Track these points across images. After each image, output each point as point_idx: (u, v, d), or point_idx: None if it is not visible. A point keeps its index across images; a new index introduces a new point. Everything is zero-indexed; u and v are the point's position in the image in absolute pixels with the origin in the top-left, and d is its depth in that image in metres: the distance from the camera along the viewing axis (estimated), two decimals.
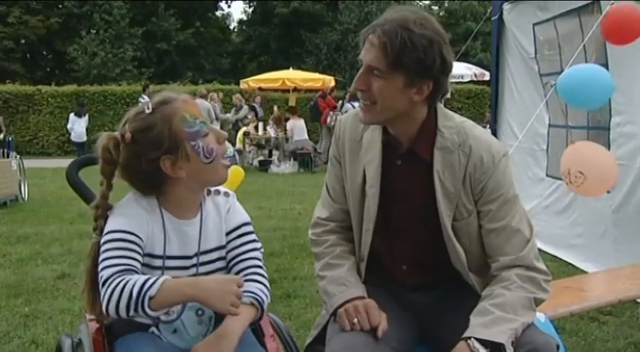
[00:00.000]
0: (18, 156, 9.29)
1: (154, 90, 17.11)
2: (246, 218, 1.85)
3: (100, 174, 1.71)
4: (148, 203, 1.70)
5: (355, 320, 1.70)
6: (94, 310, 1.75)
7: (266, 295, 1.77)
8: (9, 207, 8.48)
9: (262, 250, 1.88)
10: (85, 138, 15.53)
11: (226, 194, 1.84)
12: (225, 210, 1.80)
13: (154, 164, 1.63)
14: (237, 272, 1.79)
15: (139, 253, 1.63)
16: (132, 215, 1.66)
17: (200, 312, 1.75)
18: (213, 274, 1.75)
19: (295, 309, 4.00)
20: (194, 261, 1.74)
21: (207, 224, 1.76)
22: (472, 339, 1.58)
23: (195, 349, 1.60)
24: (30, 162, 11.43)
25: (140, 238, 1.64)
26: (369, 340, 1.68)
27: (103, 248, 1.62)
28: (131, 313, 1.53)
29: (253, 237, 1.84)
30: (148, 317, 1.58)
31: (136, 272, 1.60)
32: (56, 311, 3.99)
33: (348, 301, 1.75)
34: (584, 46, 4.36)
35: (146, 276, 1.56)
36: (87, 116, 16.23)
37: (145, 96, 16.20)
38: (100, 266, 1.60)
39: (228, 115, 15.65)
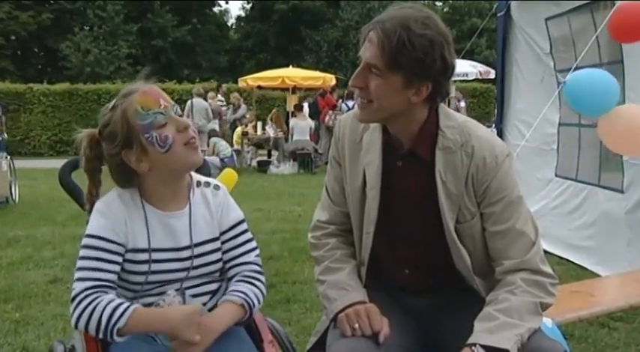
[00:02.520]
0: (8, 157, 9.28)
1: (229, 89, 17.25)
2: (240, 215, 1.90)
3: (84, 171, 1.79)
4: (130, 196, 1.77)
5: (356, 325, 1.70)
6: None
7: (258, 299, 1.84)
8: None
9: (258, 249, 1.92)
10: None
11: (216, 187, 1.89)
12: (215, 203, 1.85)
13: (117, 159, 1.72)
14: (234, 275, 1.86)
15: (115, 262, 1.71)
16: (110, 213, 1.73)
17: None
18: (207, 267, 1.82)
19: (295, 314, 4.01)
20: (188, 252, 1.79)
21: (197, 216, 1.82)
22: (477, 345, 1.58)
23: (172, 345, 1.68)
24: (21, 163, 11.43)
25: (117, 243, 1.71)
26: (371, 345, 1.68)
27: (80, 252, 1.70)
28: (100, 336, 1.64)
29: (248, 235, 1.90)
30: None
31: (108, 286, 1.68)
32: (48, 316, 3.99)
33: (348, 306, 1.75)
34: (597, 42, 4.36)
35: (115, 302, 1.63)
36: None
37: (220, 96, 16.35)
38: (75, 275, 1.68)
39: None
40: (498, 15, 6.44)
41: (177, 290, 1.77)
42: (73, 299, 1.66)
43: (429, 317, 1.88)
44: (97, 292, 1.66)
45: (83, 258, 1.70)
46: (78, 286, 1.67)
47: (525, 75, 6.12)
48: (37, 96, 19.93)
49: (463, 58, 13.49)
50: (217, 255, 1.84)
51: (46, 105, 19.93)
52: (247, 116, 15.73)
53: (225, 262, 1.87)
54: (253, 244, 1.91)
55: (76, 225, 6.64)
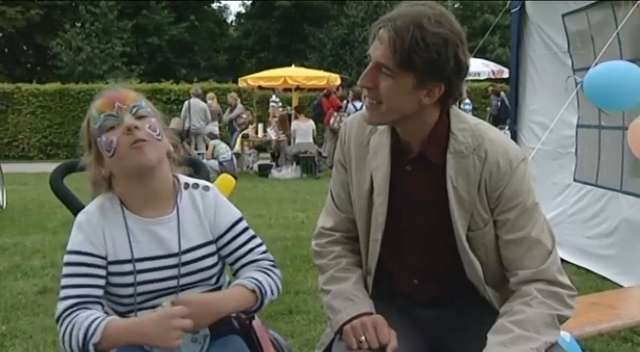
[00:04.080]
0: None
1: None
2: (236, 214, 1.92)
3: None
4: (111, 205, 1.81)
5: (362, 337, 1.70)
6: None
7: (272, 290, 1.84)
8: None
9: (264, 244, 1.94)
10: None
11: (205, 188, 1.91)
12: (204, 205, 1.87)
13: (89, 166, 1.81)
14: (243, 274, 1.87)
15: (96, 275, 1.74)
16: (86, 226, 1.77)
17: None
18: (200, 273, 1.83)
19: (298, 326, 4.01)
20: (175, 260, 1.80)
21: (185, 221, 1.83)
22: None
23: (181, 300, 1.70)
24: (9, 167, 11.44)
25: (96, 255, 1.75)
26: None
27: (62, 270, 1.75)
28: None
29: (250, 232, 1.92)
30: None
31: (91, 302, 1.71)
32: (37, 329, 3.99)
33: (354, 317, 1.75)
34: (618, 39, 4.34)
35: (92, 317, 1.66)
36: None
37: (275, 97, 16.50)
38: (59, 295, 1.73)
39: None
40: (512, 11, 6.43)
41: (172, 302, 1.77)
42: (57, 319, 1.70)
43: (439, 330, 1.88)
44: (78, 309, 1.69)
45: (65, 275, 1.75)
46: (60, 306, 1.71)
47: (541, 74, 6.11)
48: (25, 97, 19.99)
49: (475, 56, 13.45)
50: (212, 260, 1.86)
51: (35, 105, 19.99)
52: (244, 116, 15.77)
53: (232, 264, 1.89)
54: (257, 241, 1.93)
55: (68, 233, 6.50)
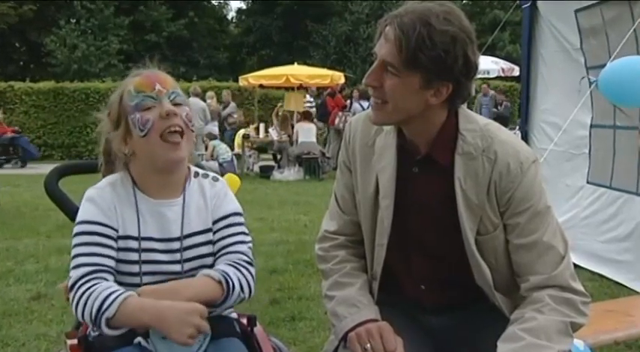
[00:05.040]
0: None
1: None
2: (237, 207, 1.95)
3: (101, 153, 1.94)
4: (122, 183, 1.86)
5: (368, 345, 1.71)
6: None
7: (241, 285, 1.83)
8: None
9: (251, 244, 1.94)
10: None
11: (215, 178, 1.97)
12: (211, 193, 1.92)
13: (109, 142, 1.86)
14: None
15: (109, 246, 1.77)
16: (100, 200, 1.81)
17: None
18: (199, 260, 1.86)
19: (301, 333, 4.01)
20: (178, 244, 1.84)
21: (190, 206, 1.88)
22: None
23: (142, 290, 1.73)
24: (1, 168, 11.47)
25: (110, 227, 1.79)
26: None
27: (73, 241, 1.77)
28: (95, 327, 1.70)
29: (243, 228, 1.93)
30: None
31: (107, 271, 1.74)
32: (30, 336, 4.00)
33: (359, 324, 1.76)
34: (635, 35, 4.32)
35: (110, 290, 1.69)
36: None
37: (309, 97, 16.59)
38: (71, 264, 1.75)
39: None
40: (523, 6, 6.43)
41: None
42: (72, 287, 1.72)
43: (447, 337, 1.88)
44: (95, 278, 1.72)
45: (77, 244, 1.76)
46: (74, 274, 1.73)
47: (552, 72, 6.11)
48: (18, 95, 19.99)
49: (484, 53, 13.50)
50: (209, 248, 1.89)
51: (28, 105, 19.99)
52: (235, 116, 15.79)
53: (215, 253, 1.89)
54: (247, 238, 1.94)
55: (62, 237, 6.66)
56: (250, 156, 15.19)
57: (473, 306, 1.87)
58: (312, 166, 13.89)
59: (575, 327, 1.70)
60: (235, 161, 13.37)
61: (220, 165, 12.36)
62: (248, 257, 1.91)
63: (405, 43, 1.60)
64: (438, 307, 1.91)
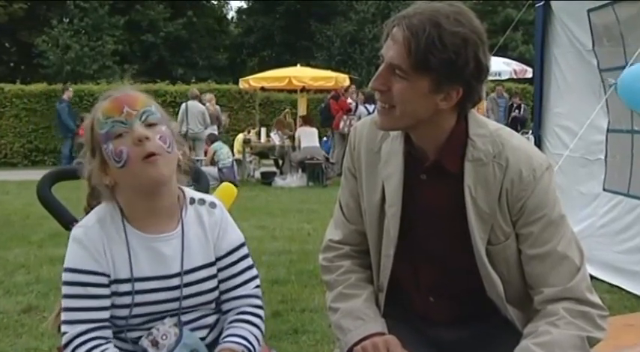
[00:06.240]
0: None
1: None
2: (240, 237, 1.92)
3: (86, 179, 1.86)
4: (111, 219, 1.80)
5: None
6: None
7: (258, 340, 1.84)
8: None
9: (259, 279, 1.94)
10: None
11: (212, 204, 1.91)
12: (210, 222, 1.87)
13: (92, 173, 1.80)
14: (229, 310, 1.88)
15: (103, 296, 1.74)
16: (87, 242, 1.76)
17: None
18: (200, 297, 1.83)
19: (304, 347, 4.01)
20: (177, 281, 1.80)
21: (189, 239, 1.83)
22: None
23: None
24: None
25: (101, 274, 1.74)
26: None
27: (63, 290, 1.73)
28: None
29: (249, 261, 1.92)
30: None
31: (103, 327, 1.72)
32: (20, 351, 4.00)
33: (365, 338, 1.76)
34: None
35: None
36: None
37: (351, 100, 16.55)
38: (62, 316, 1.72)
39: None
40: (536, 5, 6.43)
41: (175, 324, 1.78)
42: (67, 345, 1.69)
43: None
44: (94, 338, 1.69)
45: (69, 296, 1.73)
46: (69, 331, 1.70)
47: (567, 74, 6.10)
48: (9, 98, 20.03)
49: (496, 54, 13.44)
50: (212, 283, 1.86)
51: (19, 108, 20.04)
52: (223, 117, 15.82)
53: (222, 293, 1.89)
54: (253, 272, 1.93)
55: (54, 246, 6.67)
56: (251, 161, 15.20)
57: (484, 320, 1.87)
58: (315, 172, 13.88)
59: (592, 342, 1.69)
60: (236, 167, 13.37)
61: (220, 170, 12.35)
62: (258, 298, 1.91)
63: (415, 44, 1.61)
64: (448, 320, 1.90)
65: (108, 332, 1.72)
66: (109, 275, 1.75)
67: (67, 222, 1.90)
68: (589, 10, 5.49)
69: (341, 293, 1.89)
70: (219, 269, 1.87)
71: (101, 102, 1.78)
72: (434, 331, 1.91)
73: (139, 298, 1.76)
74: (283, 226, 8.44)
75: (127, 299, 1.75)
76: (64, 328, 1.70)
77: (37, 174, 2.18)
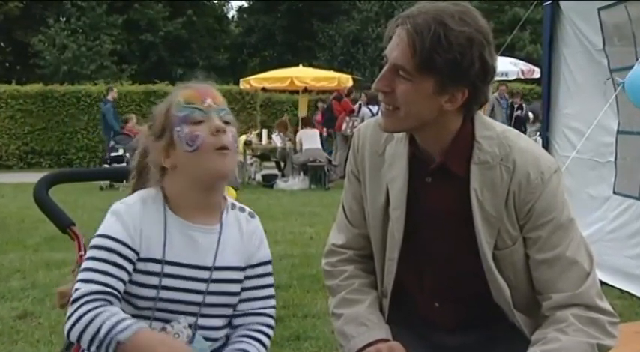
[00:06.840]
0: None
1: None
2: (269, 255, 1.98)
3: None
4: (153, 201, 1.84)
5: None
6: None
7: None
8: None
9: (274, 300, 1.99)
10: None
11: (251, 214, 1.98)
12: (248, 230, 1.93)
13: (147, 153, 1.87)
14: (242, 324, 1.91)
15: (125, 269, 1.76)
16: (126, 216, 1.80)
17: None
18: (223, 297, 1.86)
19: None
20: (206, 274, 1.83)
21: (226, 238, 1.87)
22: None
23: None
24: None
25: (131, 248, 1.77)
26: None
27: (89, 252, 1.77)
28: (92, 349, 1.67)
29: (272, 279, 1.97)
30: None
31: (115, 296, 1.73)
32: None
33: (369, 344, 1.76)
34: None
35: (121, 315, 1.68)
36: None
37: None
38: (79, 275, 1.74)
39: None
40: (544, 4, 6.44)
41: (190, 325, 1.80)
42: (75, 300, 1.70)
43: None
44: (103, 299, 1.71)
45: (92, 258, 1.76)
46: (82, 287, 1.72)
47: (575, 74, 6.10)
48: (4, 99, 20.04)
49: (503, 54, 13.46)
50: (237, 287, 1.89)
51: (15, 109, 20.05)
52: None
53: (241, 301, 1.91)
54: (272, 290, 1.97)
55: (51, 250, 6.68)
56: (252, 164, 15.21)
57: (490, 326, 1.87)
58: (317, 175, 13.89)
59: (602, 350, 1.69)
60: (236, 169, 13.36)
61: None
62: (272, 318, 1.95)
63: (420, 44, 1.61)
64: (454, 326, 1.90)
65: (117, 303, 1.74)
66: (138, 253, 1.78)
67: (65, 225, 1.91)
68: (599, 9, 5.48)
69: (344, 299, 1.90)
70: (246, 278, 1.90)
71: (182, 90, 1.85)
72: (438, 336, 1.91)
73: (166, 281, 1.79)
74: (285, 230, 8.45)
75: (154, 280, 1.78)
76: (77, 285, 1.72)
77: (33, 177, 2.18)
